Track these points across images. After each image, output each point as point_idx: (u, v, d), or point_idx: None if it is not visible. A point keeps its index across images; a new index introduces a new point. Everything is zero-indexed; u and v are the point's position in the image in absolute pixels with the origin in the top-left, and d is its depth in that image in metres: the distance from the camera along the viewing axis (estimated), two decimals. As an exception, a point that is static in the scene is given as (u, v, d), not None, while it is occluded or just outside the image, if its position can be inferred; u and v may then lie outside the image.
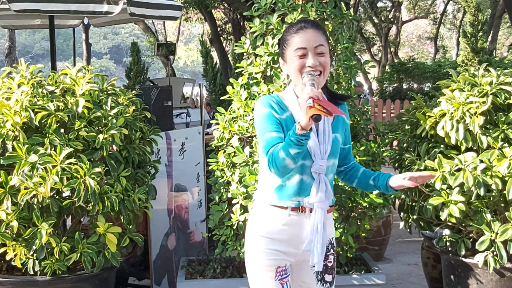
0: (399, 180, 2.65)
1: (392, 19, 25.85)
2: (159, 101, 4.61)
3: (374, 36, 28.12)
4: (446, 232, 4.26)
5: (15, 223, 3.53)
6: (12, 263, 3.66)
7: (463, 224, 3.91)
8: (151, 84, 5.17)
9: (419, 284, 5.16)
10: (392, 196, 4.00)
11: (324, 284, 2.70)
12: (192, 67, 53.26)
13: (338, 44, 3.91)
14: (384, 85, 18.46)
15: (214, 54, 16.60)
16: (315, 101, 2.30)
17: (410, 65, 17.66)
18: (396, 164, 4.31)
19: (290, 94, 2.63)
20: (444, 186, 3.71)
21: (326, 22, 3.95)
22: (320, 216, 2.56)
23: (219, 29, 16.50)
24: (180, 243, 4.90)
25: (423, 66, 17.74)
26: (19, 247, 3.60)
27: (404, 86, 17.78)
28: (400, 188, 2.70)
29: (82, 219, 4.04)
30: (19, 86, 3.78)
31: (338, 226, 3.77)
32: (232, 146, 3.94)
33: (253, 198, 2.70)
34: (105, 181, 3.69)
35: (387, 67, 21.07)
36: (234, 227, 3.82)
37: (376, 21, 25.92)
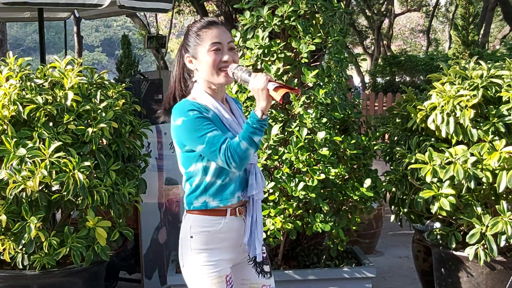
0: None
1: (384, 12, 25.80)
2: (149, 94, 4.59)
3: (367, 29, 28.06)
4: (437, 225, 4.26)
5: (3, 217, 3.51)
6: (1, 257, 3.64)
7: (453, 217, 3.91)
8: (141, 77, 5.14)
9: (410, 277, 5.16)
10: (383, 190, 4.00)
11: (266, 275, 2.71)
12: (185, 60, 52.98)
13: (329, 37, 3.89)
14: (377, 78, 18.47)
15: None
16: (276, 82, 2.38)
17: (403, 58, 17.67)
18: (387, 158, 4.31)
19: (201, 94, 2.56)
20: (435, 180, 3.70)
21: (317, 15, 3.93)
22: (258, 207, 2.63)
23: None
24: (171, 237, 4.88)
25: (415, 59, 17.76)
26: (8, 241, 3.59)
27: (397, 79, 17.79)
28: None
29: (71, 213, 4.02)
30: (7, 79, 3.75)
31: (329, 219, 3.76)
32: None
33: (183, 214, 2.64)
34: (95, 175, 3.67)
35: (379, 60, 21.08)
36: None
37: (368, 14, 25.87)
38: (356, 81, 26.01)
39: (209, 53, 2.51)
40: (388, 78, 17.94)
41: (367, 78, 22.02)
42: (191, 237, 2.54)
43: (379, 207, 5.78)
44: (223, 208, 2.54)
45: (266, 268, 2.72)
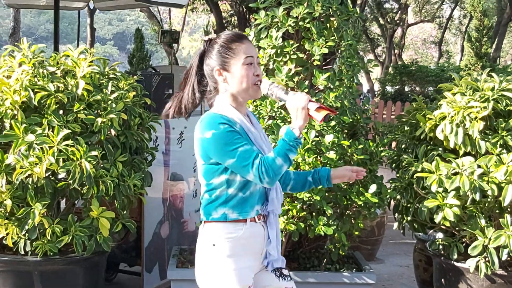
0: (341, 170, 2.78)
1: (398, 21, 25.79)
2: (160, 88, 4.60)
3: (379, 37, 28.06)
4: (440, 235, 4.25)
5: (8, 202, 3.52)
6: (4, 242, 3.66)
7: (456, 228, 3.91)
8: (153, 71, 5.15)
9: (410, 286, 5.16)
10: (387, 197, 3.99)
11: (286, 278, 2.69)
12: (196, 58, 53.01)
13: (342, 41, 3.90)
14: (386, 87, 18.44)
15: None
16: (315, 102, 2.42)
17: (413, 68, 17.65)
18: (394, 165, 4.30)
19: (227, 107, 2.53)
20: (440, 189, 3.70)
21: (332, 18, 3.94)
22: (277, 220, 2.66)
23: (224, 21, 16.44)
24: (173, 232, 4.89)
25: (426, 69, 17.73)
26: (12, 226, 3.60)
27: (406, 88, 17.77)
28: (341, 180, 2.81)
29: (76, 202, 4.03)
30: (20, 65, 3.76)
31: (332, 223, 3.76)
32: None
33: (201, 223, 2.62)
34: (101, 165, 3.68)
35: (390, 68, 21.05)
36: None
37: (382, 22, 25.86)
38: (365, 88, 25.98)
39: (244, 66, 2.51)
40: (397, 87, 17.91)
41: (376, 86, 21.99)
42: (214, 245, 2.52)
43: (382, 214, 5.77)
44: (243, 219, 2.54)
45: (285, 271, 2.71)
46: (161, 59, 45.28)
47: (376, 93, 21.03)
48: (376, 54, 28.16)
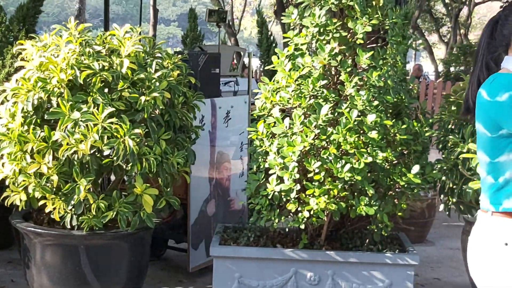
0: None
1: (464, 0, 25.10)
2: (206, 67, 4.63)
3: (444, 17, 27.39)
4: (487, 218, 4.16)
5: (55, 177, 3.63)
6: (51, 216, 3.79)
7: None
8: (200, 50, 5.19)
9: (459, 269, 5.07)
10: (434, 178, 3.93)
11: None
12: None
13: (387, 19, 3.83)
14: (451, 68, 18.01)
15: (272, 26, 16.36)
16: None
17: (478, 48, 17.16)
18: (440, 146, 4.23)
19: None
20: (486, 171, 3.62)
21: (377, -4, 3.87)
22: None
23: (284, 0, 16.37)
24: (219, 210, 4.95)
25: (491, 49, 17.20)
26: (58, 201, 3.72)
27: (471, 69, 17.31)
28: None
29: (125, 179, 4.13)
30: (66, 44, 3.86)
31: (374, 203, 3.73)
32: (272, 116, 3.94)
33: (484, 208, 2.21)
34: (145, 143, 3.75)
35: (454, 49, 20.55)
36: (270, 197, 3.82)
37: (447, 0, 25.22)
38: (430, 69, 25.43)
39: None
40: (462, 68, 17.46)
41: (441, 67, 21.52)
42: (506, 244, 2.12)
43: (433, 196, 5.69)
44: None
45: None
46: (227, 40, 45.43)
47: (440, 74, 20.57)
48: (440, 34, 27.51)
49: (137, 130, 3.63)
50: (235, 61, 8.47)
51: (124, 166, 3.76)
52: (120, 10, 54.06)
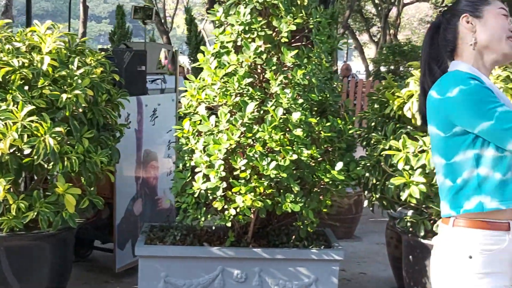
0: None
1: (393, 0, 25.65)
2: (132, 65, 4.57)
3: (374, 17, 27.93)
4: (410, 213, 4.26)
5: (-28, 178, 3.52)
6: (-31, 217, 3.66)
7: (424, 206, 3.92)
8: (125, 47, 5.12)
9: (384, 264, 5.17)
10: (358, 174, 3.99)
11: None
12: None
13: (311, 19, 3.87)
14: (381, 67, 18.36)
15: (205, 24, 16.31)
16: None
17: (406, 48, 17.56)
18: (364, 143, 4.31)
19: (469, 68, 2.11)
20: (407, 167, 3.71)
21: (301, -5, 3.91)
22: None
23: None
24: (147, 209, 4.90)
25: (419, 49, 17.61)
26: (-24, 201, 3.60)
27: (401, 68, 17.69)
28: None
29: (47, 179, 4.03)
30: (-15, 40, 3.75)
31: (299, 200, 3.76)
32: (198, 114, 3.92)
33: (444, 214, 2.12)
34: (67, 141, 3.67)
35: (384, 48, 20.98)
36: (196, 195, 3.81)
37: (377, 1, 25.73)
38: (361, 68, 25.88)
39: (499, 15, 2.13)
40: (392, 67, 17.83)
41: (371, 66, 21.92)
42: (470, 257, 2.02)
43: (359, 192, 5.79)
44: (504, 212, 2.02)
45: None
46: (158, 37, 45.03)
47: (371, 73, 20.97)
48: (371, 34, 28.05)
49: (58, 129, 3.55)
50: (167, 59, 8.39)
51: (46, 166, 3.67)
52: (50, 6, 52.82)
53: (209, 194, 3.75)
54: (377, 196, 4.12)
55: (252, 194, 3.73)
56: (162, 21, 21.00)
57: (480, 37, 2.11)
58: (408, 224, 4.03)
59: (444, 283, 2.10)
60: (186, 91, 4.03)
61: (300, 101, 3.78)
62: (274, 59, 3.86)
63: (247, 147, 3.77)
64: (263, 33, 3.82)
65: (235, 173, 3.73)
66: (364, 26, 27.65)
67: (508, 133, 1.91)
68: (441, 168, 2.08)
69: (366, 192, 4.28)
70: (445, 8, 2.31)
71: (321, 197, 3.99)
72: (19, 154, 3.61)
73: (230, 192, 3.73)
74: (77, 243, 4.86)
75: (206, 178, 3.76)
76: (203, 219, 3.87)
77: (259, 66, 3.93)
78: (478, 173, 2.00)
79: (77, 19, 23.54)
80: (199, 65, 4.03)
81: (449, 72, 2.09)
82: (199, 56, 4.04)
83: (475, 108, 1.94)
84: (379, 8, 25.87)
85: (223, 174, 3.71)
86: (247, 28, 3.83)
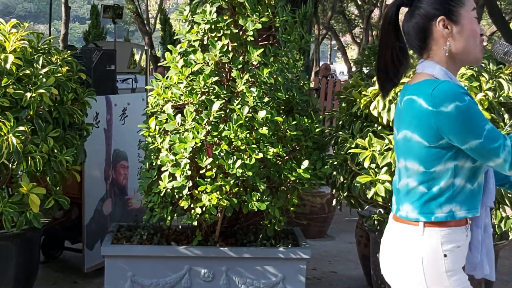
0: None
1: (375, 2, 25.75)
2: (101, 64, 4.55)
3: (357, 18, 28.04)
4: (377, 211, 4.28)
5: None
6: None
7: (390, 204, 3.93)
8: (94, 46, 5.10)
9: (355, 262, 5.18)
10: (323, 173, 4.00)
11: None
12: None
13: (277, 17, 3.88)
14: (363, 68, 18.41)
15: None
16: None
17: (387, 49, 17.63)
18: (332, 142, 4.31)
19: (444, 74, 2.07)
20: (373, 165, 3.72)
21: (268, -6, 3.91)
22: (488, 214, 2.20)
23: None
24: (116, 209, 4.88)
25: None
26: None
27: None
28: None
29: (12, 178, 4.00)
30: None
31: (265, 198, 3.76)
32: (165, 113, 3.91)
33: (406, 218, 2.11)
34: (31, 140, 3.64)
35: (365, 49, 21.05)
36: (162, 194, 3.80)
37: (359, 2, 25.82)
38: (345, 69, 25.93)
39: (473, 20, 2.07)
40: (372, 68, 17.89)
41: (354, 67, 22.00)
42: (445, 255, 2.04)
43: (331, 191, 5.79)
44: (465, 219, 2.08)
45: None
46: (141, 39, 44.89)
47: (352, 74, 21.03)
48: (353, 35, 28.15)
49: (21, 128, 3.52)
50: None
51: (10, 165, 3.65)
52: (32, 7, 52.50)
53: (175, 193, 3.74)
54: (345, 194, 4.13)
55: (218, 192, 3.73)
56: (145, 22, 20.94)
57: (456, 46, 2.06)
58: (376, 222, 4.05)
59: (415, 285, 2.07)
60: (151, 90, 4.03)
61: (266, 99, 3.78)
62: (240, 58, 3.86)
63: (213, 146, 3.76)
64: (229, 32, 3.82)
65: (201, 171, 3.73)
66: (346, 27, 27.74)
67: (493, 152, 1.93)
68: (417, 174, 2.06)
69: (334, 190, 4.29)
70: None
71: (288, 195, 4.00)
72: (-18, 153, 3.58)
73: (196, 191, 3.73)
74: (46, 243, 4.85)
75: (172, 177, 3.76)
76: (169, 218, 3.86)
77: (226, 65, 3.92)
78: (454, 183, 2.03)
79: (60, 20, 23.41)
80: (166, 63, 4.02)
81: (443, 83, 1.98)
82: (166, 55, 4.03)
83: (469, 126, 1.93)
84: (362, 9, 25.97)
85: (189, 173, 3.70)
86: (213, 26, 3.83)
